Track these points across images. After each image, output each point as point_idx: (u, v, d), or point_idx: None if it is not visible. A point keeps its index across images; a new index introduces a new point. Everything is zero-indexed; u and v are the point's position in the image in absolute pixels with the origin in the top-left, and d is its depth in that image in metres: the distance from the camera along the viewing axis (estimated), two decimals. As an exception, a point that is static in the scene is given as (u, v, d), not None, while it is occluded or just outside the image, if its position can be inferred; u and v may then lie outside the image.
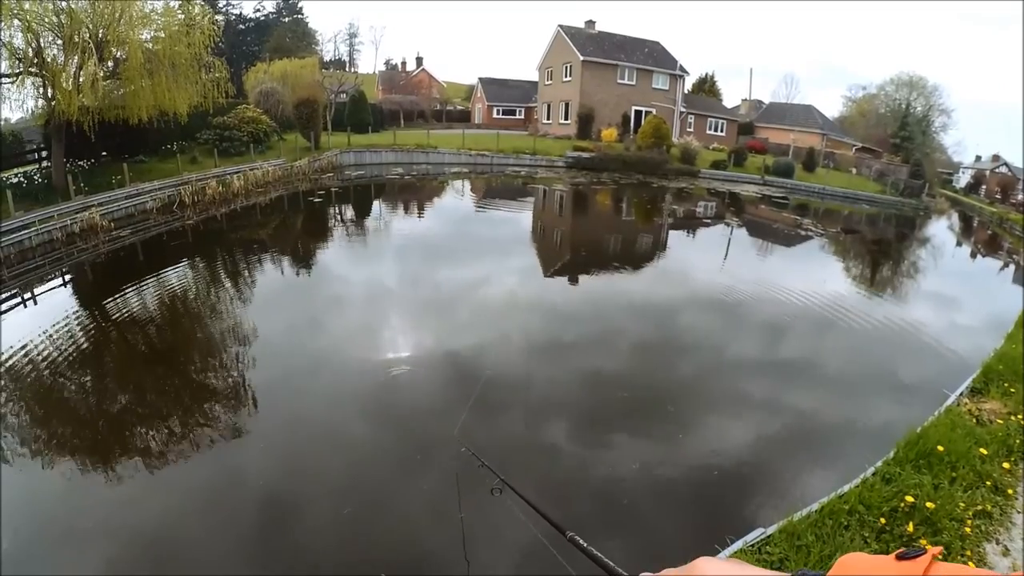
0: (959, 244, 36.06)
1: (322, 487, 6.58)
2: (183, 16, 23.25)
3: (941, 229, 40.31)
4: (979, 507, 5.14)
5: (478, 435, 7.59)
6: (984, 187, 67.22)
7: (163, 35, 21.94)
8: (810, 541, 4.62)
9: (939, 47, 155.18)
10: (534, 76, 62.26)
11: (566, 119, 53.14)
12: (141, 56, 20.25)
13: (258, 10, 68.27)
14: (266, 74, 42.78)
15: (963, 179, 74.63)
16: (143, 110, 21.22)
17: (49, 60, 18.83)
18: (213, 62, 24.82)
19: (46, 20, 18.43)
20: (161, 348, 10.71)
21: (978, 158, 77.39)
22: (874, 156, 56.69)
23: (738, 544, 4.78)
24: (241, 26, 64.81)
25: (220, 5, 61.11)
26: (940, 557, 0.64)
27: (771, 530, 4.90)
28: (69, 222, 17.86)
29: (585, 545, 1.35)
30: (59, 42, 18.93)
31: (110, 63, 20.74)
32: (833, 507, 5.10)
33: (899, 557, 0.64)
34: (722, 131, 58.10)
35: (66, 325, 11.04)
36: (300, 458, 7.11)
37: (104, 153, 24.81)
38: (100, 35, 19.46)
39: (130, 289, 13.28)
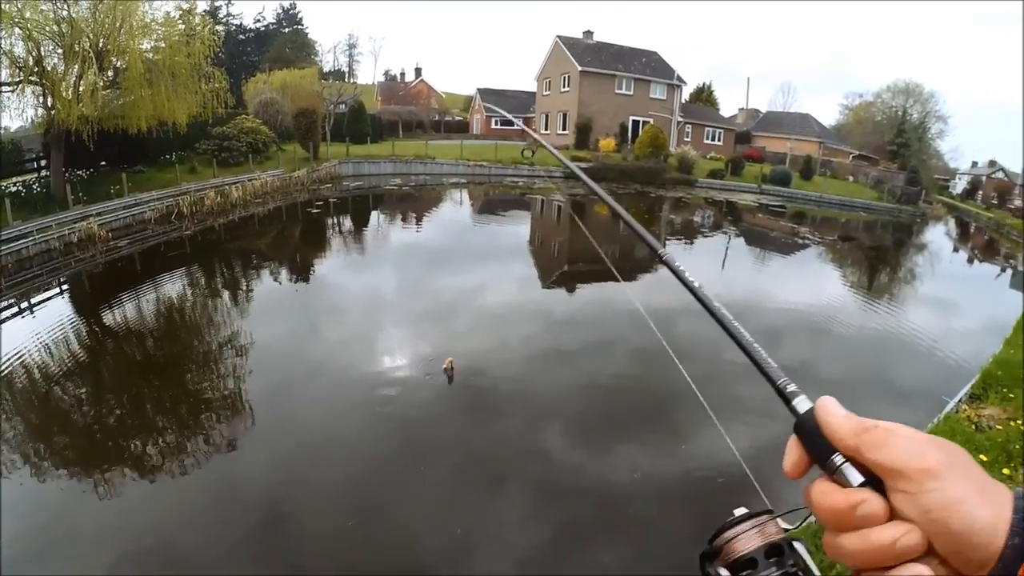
0: (956, 250, 36.28)
1: (321, 494, 6.57)
2: (183, 26, 23.31)
3: (938, 235, 40.55)
4: (981, 514, 5.09)
5: (477, 440, 7.59)
6: (981, 192, 67.69)
7: (163, 45, 22.01)
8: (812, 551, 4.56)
9: (938, 50, 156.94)
10: (532, 86, 62.45)
11: (564, 129, 53.26)
12: (141, 66, 20.28)
13: (258, 20, 68.71)
14: (266, 84, 42.75)
15: (960, 185, 75.17)
16: (142, 120, 21.23)
17: (49, 69, 18.89)
18: (213, 72, 24.88)
19: (47, 29, 18.49)
20: (159, 359, 10.69)
21: (974, 163, 78.07)
22: (871, 163, 57.00)
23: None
24: (241, 36, 65.10)
25: (221, 15, 61.37)
26: None
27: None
28: (67, 232, 17.84)
29: None
30: (59, 51, 18.99)
31: (110, 72, 20.79)
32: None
33: None
34: (719, 140, 58.27)
35: (63, 335, 11.01)
36: (298, 467, 7.08)
37: (103, 163, 24.88)
38: (100, 44, 19.51)
39: (128, 299, 13.28)
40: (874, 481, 0.60)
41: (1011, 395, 7.86)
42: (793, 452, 0.68)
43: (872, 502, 0.58)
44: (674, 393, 9.64)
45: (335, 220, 25.88)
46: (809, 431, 0.66)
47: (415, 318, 12.79)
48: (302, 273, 17.10)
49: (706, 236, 27.85)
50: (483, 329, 12.20)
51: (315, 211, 26.88)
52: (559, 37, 53.62)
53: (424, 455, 7.23)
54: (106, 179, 23.22)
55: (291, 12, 71.03)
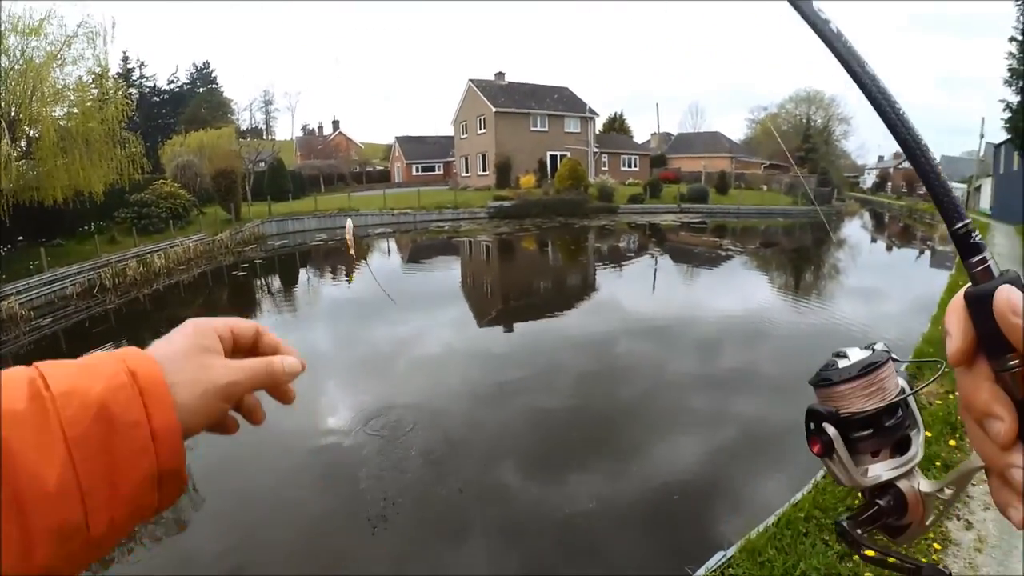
0: (874, 240, 38.23)
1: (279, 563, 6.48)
2: (97, 91, 22.90)
3: (855, 229, 42.46)
4: (934, 488, 5.21)
5: (433, 483, 7.59)
6: (890, 183, 71.32)
7: (76, 111, 21.58)
8: (771, 555, 4.62)
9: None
10: (450, 131, 63.10)
11: (484, 170, 54.01)
12: (54, 134, 19.86)
13: (172, 81, 67.90)
14: (182, 146, 41.94)
15: (869, 179, 79.01)
16: (58, 190, 20.73)
17: (-39, 142, 18.33)
18: (128, 137, 24.46)
19: (-42, 100, 17.99)
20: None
21: (880, 158, 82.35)
22: (782, 171, 59.21)
23: (700, 572, 4.75)
24: (156, 98, 64.25)
25: (134, 78, 60.44)
26: None
27: (731, 551, 4.86)
28: (-13, 313, 17.18)
29: None
30: (-30, 123, 18.46)
31: (23, 142, 20.26)
32: (789, 516, 5.10)
33: None
34: (636, 166, 60.11)
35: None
36: (252, 538, 6.95)
37: (20, 237, 24.00)
38: (12, 113, 19.01)
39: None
40: None
41: (946, 370, 8.16)
42: (962, 332, 0.50)
43: None
44: (622, 412, 9.83)
45: (263, 281, 25.50)
46: (987, 309, 0.48)
47: (354, 371, 12.73)
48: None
49: (633, 259, 28.39)
50: (423, 374, 12.15)
51: (241, 274, 26.41)
52: (472, 80, 54.49)
53: (381, 506, 7.19)
54: (24, 255, 22.34)
55: (205, 71, 70.50)
